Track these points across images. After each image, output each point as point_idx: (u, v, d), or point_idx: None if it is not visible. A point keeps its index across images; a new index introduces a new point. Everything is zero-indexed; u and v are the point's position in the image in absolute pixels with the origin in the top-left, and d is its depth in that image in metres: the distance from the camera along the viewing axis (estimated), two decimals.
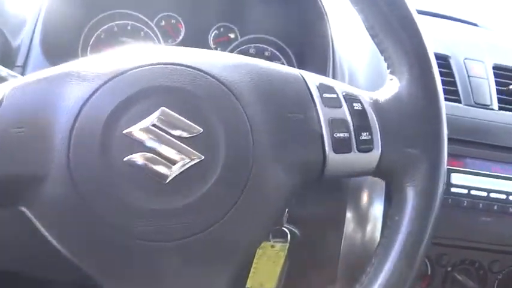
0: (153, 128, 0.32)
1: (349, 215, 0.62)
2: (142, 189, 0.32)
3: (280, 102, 0.36)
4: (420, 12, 0.80)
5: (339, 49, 0.65)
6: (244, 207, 0.33)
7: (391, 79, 0.39)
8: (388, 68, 0.40)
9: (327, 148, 0.36)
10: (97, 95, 0.33)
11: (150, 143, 0.32)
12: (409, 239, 0.35)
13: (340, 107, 0.37)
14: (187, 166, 0.32)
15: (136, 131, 0.32)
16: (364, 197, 0.63)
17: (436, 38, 0.77)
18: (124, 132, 0.32)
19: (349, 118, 0.36)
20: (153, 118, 0.32)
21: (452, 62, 0.72)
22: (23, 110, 0.33)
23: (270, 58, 0.76)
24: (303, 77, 0.37)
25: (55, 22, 0.63)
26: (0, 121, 0.32)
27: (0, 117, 0.32)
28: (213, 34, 0.76)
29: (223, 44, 0.76)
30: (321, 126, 0.36)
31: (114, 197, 0.32)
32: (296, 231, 0.60)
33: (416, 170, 0.36)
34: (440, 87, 0.38)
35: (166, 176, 0.32)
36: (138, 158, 0.32)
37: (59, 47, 0.65)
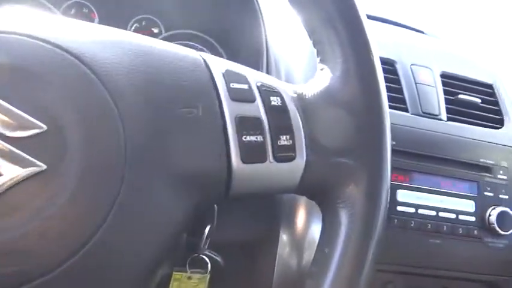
0: None
1: (283, 237, 0.53)
2: None
3: (169, 93, 0.26)
4: (367, 17, 0.74)
5: (275, 48, 0.57)
6: (110, 240, 0.23)
7: (322, 69, 0.30)
8: (317, 56, 0.31)
9: (233, 156, 0.26)
10: None
11: None
12: (341, 280, 0.26)
13: (253, 101, 0.28)
14: (17, 180, 0.22)
15: None
16: (301, 215, 0.54)
17: (381, 43, 0.70)
18: None
19: (263, 116, 0.27)
20: None
21: (398, 67, 0.66)
22: None
23: None
24: (204, 61, 0.28)
25: None
26: None
27: None
28: (133, 27, 0.66)
29: None
30: (225, 126, 0.26)
31: None
32: (218, 258, 0.50)
33: (352, 186, 0.28)
34: (382, 82, 0.30)
35: None
36: None
37: None
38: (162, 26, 0.66)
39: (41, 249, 0.22)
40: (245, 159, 0.26)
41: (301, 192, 0.29)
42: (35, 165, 0.22)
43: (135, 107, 0.25)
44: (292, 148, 0.27)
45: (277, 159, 0.27)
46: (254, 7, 0.56)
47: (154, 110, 0.25)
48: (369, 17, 0.83)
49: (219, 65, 0.28)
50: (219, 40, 0.66)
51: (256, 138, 0.27)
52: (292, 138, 0.27)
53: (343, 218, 0.28)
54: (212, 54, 0.66)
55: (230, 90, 0.27)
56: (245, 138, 0.26)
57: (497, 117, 0.67)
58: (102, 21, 0.65)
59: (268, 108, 0.28)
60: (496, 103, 0.68)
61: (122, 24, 0.65)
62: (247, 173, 0.26)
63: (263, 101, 0.28)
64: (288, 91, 0.29)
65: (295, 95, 0.29)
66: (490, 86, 0.69)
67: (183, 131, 0.26)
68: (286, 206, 0.53)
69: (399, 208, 0.56)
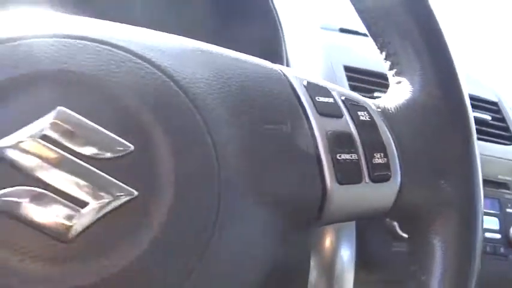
0: (44, 143, 0.18)
1: (313, 263, 0.51)
2: (25, 255, 0.17)
3: (255, 107, 0.23)
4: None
5: (294, 61, 0.56)
6: (208, 273, 0.20)
7: (399, 82, 0.29)
8: (391, 68, 0.29)
9: (327, 176, 0.24)
10: None
11: (39, 168, 0.18)
12: None
13: (341, 116, 0.25)
14: (106, 210, 0.18)
15: (11, 147, 0.18)
16: (330, 240, 0.52)
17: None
18: None
19: (355, 132, 0.25)
20: (43, 125, 0.18)
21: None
22: None
23: None
24: (283, 73, 0.26)
25: None
26: None
27: None
28: None
29: None
30: (316, 144, 0.24)
31: None
32: None
33: (448, 211, 0.25)
34: (466, 94, 0.28)
35: (68, 230, 0.18)
36: (15, 197, 0.17)
37: None
38: None
39: (141, 286, 0.19)
40: (340, 179, 0.24)
41: (392, 216, 0.27)
42: (125, 191, 0.19)
43: (224, 125, 0.22)
44: (387, 167, 0.25)
45: (373, 179, 0.24)
46: (274, 19, 0.55)
47: (244, 126, 0.22)
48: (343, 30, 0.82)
49: (298, 77, 0.26)
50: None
51: (351, 156, 0.24)
52: (386, 156, 0.25)
53: (438, 244, 0.25)
54: None
55: (316, 104, 0.25)
56: (339, 156, 0.24)
57: (506, 134, 0.67)
58: None
59: (358, 123, 0.25)
60: (503, 120, 0.69)
61: None
62: (342, 195, 0.24)
63: (351, 116, 0.25)
64: (371, 105, 0.27)
65: (379, 110, 0.27)
66: (495, 104, 0.70)
67: (274, 150, 0.23)
68: (315, 231, 0.51)
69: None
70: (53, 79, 0.19)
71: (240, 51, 0.65)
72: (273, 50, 0.55)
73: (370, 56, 0.71)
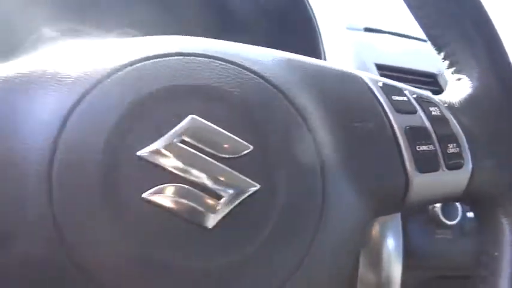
0: (182, 146, 0.21)
1: (362, 255, 0.53)
2: (174, 242, 0.20)
3: (342, 108, 0.26)
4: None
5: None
6: (320, 252, 0.23)
7: (459, 79, 0.31)
8: (451, 67, 0.32)
9: (408, 166, 0.26)
10: (88, 101, 0.21)
11: (181, 168, 0.21)
12: None
13: (415, 112, 0.28)
14: (238, 201, 0.21)
15: (156, 151, 0.21)
16: (375, 230, 0.54)
17: (418, 55, 0.73)
18: (138, 154, 0.20)
19: (429, 126, 0.28)
20: (180, 131, 0.21)
21: (440, 79, 0.68)
22: None
23: None
24: (360, 77, 0.28)
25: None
26: None
27: None
28: None
29: None
30: (396, 137, 0.27)
31: (130, 259, 0.20)
32: None
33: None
34: None
35: (209, 219, 0.21)
36: (164, 193, 0.20)
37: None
38: None
39: (259, 274, 0.21)
40: (421, 168, 0.26)
41: (463, 199, 0.29)
42: (250, 184, 0.22)
43: (320, 124, 0.25)
44: (460, 155, 0.28)
45: (448, 167, 0.27)
46: (313, 26, 0.57)
47: (338, 124, 0.25)
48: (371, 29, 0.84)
49: (374, 79, 0.29)
50: None
51: (428, 147, 0.27)
52: (459, 145, 0.28)
53: (507, 222, 0.28)
54: None
55: (393, 103, 0.28)
56: (418, 148, 0.27)
57: None
58: None
59: (431, 118, 0.28)
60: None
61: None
62: (423, 182, 0.27)
63: (424, 112, 0.28)
64: (439, 101, 0.30)
65: (446, 105, 0.30)
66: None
67: (363, 144, 0.26)
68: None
69: None
70: (185, 92, 0.22)
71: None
72: (315, 55, 0.58)
73: (397, 53, 0.74)
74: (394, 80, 0.65)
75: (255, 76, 0.24)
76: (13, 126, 0.21)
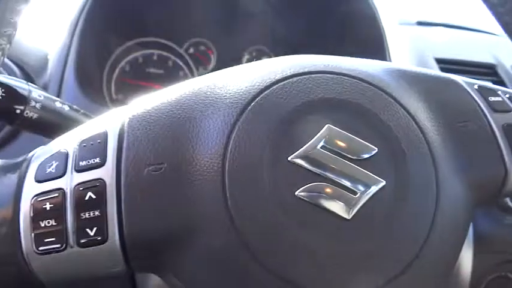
0: (324, 151, 0.25)
1: None
2: (324, 230, 0.24)
3: (446, 110, 0.30)
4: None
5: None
6: (434, 242, 0.26)
7: None
8: None
9: (506, 159, 0.30)
10: (247, 114, 0.25)
11: (324, 169, 0.25)
12: None
13: (510, 110, 0.31)
14: (370, 195, 0.25)
15: (305, 155, 0.25)
16: None
17: (475, 47, 0.74)
18: (290, 158, 0.25)
19: None
20: (321, 138, 0.25)
21: (499, 70, 0.69)
22: (156, 141, 0.25)
23: None
24: (457, 81, 0.32)
25: (85, 56, 0.55)
26: (130, 160, 0.24)
27: (128, 156, 0.24)
28: (245, 59, 0.70)
29: None
30: (495, 134, 0.30)
31: (290, 244, 0.24)
32: None
33: None
34: None
35: (349, 211, 0.25)
36: (313, 190, 0.25)
37: (90, 80, 0.57)
38: (273, 54, 0.70)
39: (391, 257, 0.25)
40: None
41: None
42: (378, 181, 0.25)
43: (429, 126, 0.28)
44: None
45: None
46: (378, 24, 0.60)
47: (443, 127, 0.29)
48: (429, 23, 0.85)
49: (469, 82, 0.32)
50: None
51: None
52: None
53: None
54: None
55: (490, 104, 0.31)
56: None
57: None
58: (218, 57, 0.69)
59: None
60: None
61: (237, 59, 0.70)
62: None
63: None
64: None
65: None
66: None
67: (466, 143, 0.29)
68: None
69: None
70: (320, 105, 0.26)
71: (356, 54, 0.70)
72: (380, 52, 0.61)
73: (454, 45, 0.76)
74: (454, 73, 0.68)
75: (373, 87, 0.28)
76: (190, 136, 0.25)
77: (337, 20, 0.64)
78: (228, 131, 0.25)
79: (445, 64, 0.67)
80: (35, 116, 0.34)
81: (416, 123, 0.28)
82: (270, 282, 0.24)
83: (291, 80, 0.27)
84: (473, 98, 0.31)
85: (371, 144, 0.26)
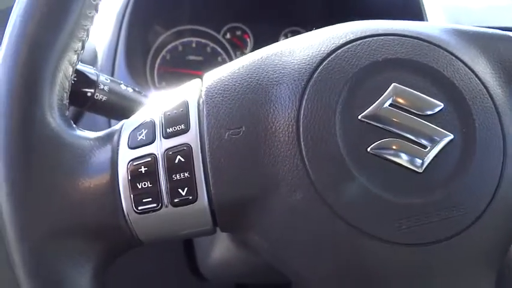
0: (392, 109, 0.26)
1: None
2: (397, 183, 0.26)
3: (506, 67, 0.30)
4: None
5: None
6: (504, 193, 0.27)
7: None
8: None
9: None
10: (316, 78, 0.27)
11: (394, 126, 0.26)
12: None
13: None
14: (439, 149, 0.26)
15: (374, 113, 0.26)
16: None
17: None
18: (361, 116, 0.26)
19: None
20: (388, 97, 0.27)
21: None
22: (233, 107, 0.27)
23: None
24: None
25: (132, 47, 0.57)
26: (211, 126, 0.26)
27: (209, 122, 0.26)
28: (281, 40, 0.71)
29: None
30: None
31: (365, 197, 0.25)
32: None
33: None
34: None
35: (421, 164, 0.26)
36: (385, 146, 0.26)
37: (137, 71, 0.59)
38: None
39: (461, 209, 0.26)
40: None
41: None
42: (446, 134, 0.26)
43: (490, 79, 0.29)
44: None
45: None
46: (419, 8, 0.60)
47: (499, 79, 0.29)
48: None
49: None
50: None
51: None
52: None
53: None
54: None
55: None
56: None
57: None
58: (256, 41, 0.70)
59: None
60: None
61: (272, 41, 0.71)
62: None
63: None
64: None
65: None
66: None
67: None
68: None
69: None
70: (383, 65, 0.27)
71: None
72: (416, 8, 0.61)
73: (488, 14, 0.75)
74: None
75: (433, 46, 0.29)
76: (264, 99, 0.27)
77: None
78: (300, 95, 0.26)
79: None
80: (104, 98, 0.36)
81: (479, 78, 0.29)
82: (350, 235, 0.25)
83: (354, 43, 0.28)
84: None
85: (437, 100, 0.27)
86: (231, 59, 0.69)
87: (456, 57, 0.29)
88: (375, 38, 0.28)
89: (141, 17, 0.59)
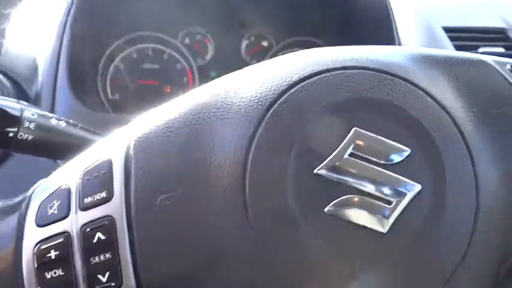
0: (353, 159, 0.23)
1: None
2: (357, 249, 0.22)
3: (479, 97, 0.27)
4: None
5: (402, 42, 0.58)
6: (475, 252, 0.24)
7: None
8: None
9: None
10: (266, 123, 0.23)
11: (355, 180, 0.23)
12: None
13: None
14: (405, 203, 0.23)
15: (332, 166, 0.22)
16: None
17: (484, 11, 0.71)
18: (316, 171, 0.22)
19: None
20: (348, 145, 0.23)
21: (511, 34, 0.66)
22: (167, 165, 0.22)
23: None
24: (486, 61, 0.29)
25: (76, 59, 0.52)
26: (140, 191, 0.22)
27: (137, 186, 0.22)
28: (244, 45, 0.67)
29: (259, 54, 0.67)
30: None
31: (323, 269, 0.22)
32: None
33: None
34: None
35: (384, 223, 0.22)
36: (344, 204, 0.22)
37: (83, 83, 0.54)
38: (272, 38, 0.67)
39: (430, 265, 0.23)
40: None
41: None
42: (413, 186, 0.23)
43: (463, 115, 0.26)
44: None
45: None
46: (387, 11, 0.56)
47: (477, 113, 0.26)
48: None
49: (500, 62, 0.29)
50: (333, 40, 0.66)
51: None
52: None
53: None
54: None
55: None
56: None
57: None
58: (216, 45, 0.66)
59: None
60: None
61: (235, 45, 0.66)
62: None
63: None
64: None
65: None
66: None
67: (505, 131, 0.26)
68: None
69: None
70: (346, 105, 0.23)
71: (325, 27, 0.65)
72: (386, 26, 0.57)
73: (461, 11, 0.72)
74: (463, 41, 0.65)
75: (398, 79, 0.25)
76: (203, 155, 0.22)
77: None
78: (246, 147, 0.22)
79: (454, 33, 0.63)
80: (30, 137, 0.31)
81: (450, 115, 0.25)
82: None
83: (309, 81, 0.24)
84: (506, 79, 0.28)
85: (403, 144, 0.24)
86: (190, 67, 0.64)
87: (424, 91, 0.25)
88: (332, 73, 0.24)
89: (85, 25, 0.54)
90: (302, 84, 0.24)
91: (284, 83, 0.24)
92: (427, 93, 0.25)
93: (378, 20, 0.57)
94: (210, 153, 0.22)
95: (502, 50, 0.63)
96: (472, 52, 0.32)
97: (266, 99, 0.23)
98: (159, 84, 0.63)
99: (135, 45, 0.63)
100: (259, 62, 0.73)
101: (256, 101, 0.24)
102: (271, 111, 0.23)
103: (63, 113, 0.47)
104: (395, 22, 0.56)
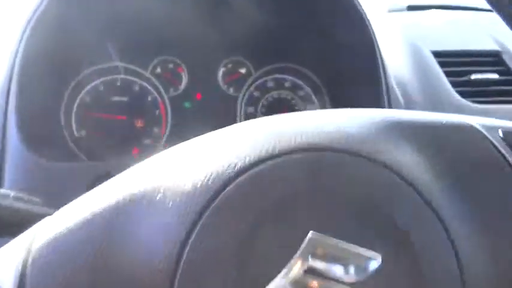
0: (309, 277, 0.18)
1: None
2: None
3: (463, 176, 0.23)
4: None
5: (389, 72, 0.54)
6: None
7: None
8: None
9: None
10: (201, 227, 0.19)
11: None
12: None
13: None
14: None
15: (290, 285, 0.18)
16: None
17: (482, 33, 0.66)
18: None
19: None
20: (303, 258, 0.19)
21: (505, 57, 0.62)
22: (70, 281, 0.18)
23: (292, 89, 0.63)
24: (471, 125, 0.25)
25: (31, 96, 0.48)
26: None
27: None
28: (221, 73, 0.62)
29: (237, 82, 0.62)
30: None
31: None
32: None
33: None
34: None
35: None
36: None
37: (39, 127, 0.50)
38: (251, 65, 0.63)
39: None
40: None
41: None
42: None
43: (446, 198, 0.21)
44: None
45: None
46: (362, 17, 0.52)
47: (465, 192, 0.22)
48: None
49: (490, 126, 0.25)
50: (314, 68, 0.62)
51: None
52: None
53: None
54: (305, 83, 0.63)
55: None
56: None
57: None
58: (190, 74, 0.62)
59: None
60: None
61: (211, 74, 0.62)
62: None
63: None
64: None
65: None
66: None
67: (493, 206, 0.22)
68: None
69: None
70: (303, 200, 0.19)
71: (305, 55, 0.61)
72: (367, 64, 0.53)
73: (451, 32, 0.68)
74: (454, 66, 0.60)
75: (366, 160, 0.21)
76: (116, 266, 0.19)
77: (320, 23, 0.56)
78: (175, 258, 0.18)
79: (444, 57, 0.59)
80: None
81: (430, 205, 0.21)
82: None
83: (255, 169, 0.20)
84: (495, 147, 0.24)
85: (372, 250, 0.19)
86: (162, 98, 0.60)
87: (402, 177, 0.21)
88: (280, 158, 0.20)
89: (41, 56, 0.49)
90: (248, 173, 0.20)
91: (224, 175, 0.20)
92: (403, 178, 0.21)
93: (360, 45, 0.53)
94: (129, 264, 0.18)
95: (495, 76, 0.59)
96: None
97: (204, 198, 0.19)
98: (128, 118, 0.58)
99: (102, 77, 0.58)
100: (237, 90, 0.67)
101: (192, 202, 0.19)
102: (207, 213, 0.19)
103: (12, 165, 0.43)
104: (378, 47, 0.52)
